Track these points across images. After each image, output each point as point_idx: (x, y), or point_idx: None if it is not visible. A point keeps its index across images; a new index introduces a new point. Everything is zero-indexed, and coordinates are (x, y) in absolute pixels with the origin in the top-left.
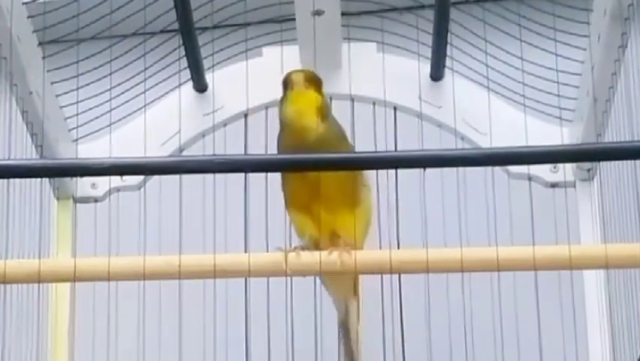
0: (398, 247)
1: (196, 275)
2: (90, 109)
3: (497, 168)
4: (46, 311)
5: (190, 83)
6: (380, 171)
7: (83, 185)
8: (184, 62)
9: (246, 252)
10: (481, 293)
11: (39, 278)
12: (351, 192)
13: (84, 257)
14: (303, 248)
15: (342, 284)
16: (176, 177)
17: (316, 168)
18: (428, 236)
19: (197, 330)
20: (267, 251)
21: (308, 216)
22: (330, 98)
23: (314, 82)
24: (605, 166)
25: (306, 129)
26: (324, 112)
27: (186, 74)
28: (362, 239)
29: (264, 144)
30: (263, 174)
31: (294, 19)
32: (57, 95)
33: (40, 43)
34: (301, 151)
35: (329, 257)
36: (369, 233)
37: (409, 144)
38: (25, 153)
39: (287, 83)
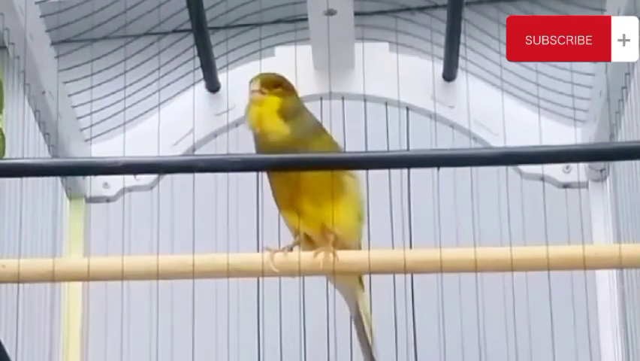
0: (411, 247)
1: (210, 275)
2: (102, 108)
3: (510, 169)
4: (59, 311)
5: (202, 83)
6: (393, 171)
7: (96, 185)
8: (197, 62)
9: (258, 251)
10: (493, 293)
11: (52, 278)
12: (334, 184)
13: (97, 257)
14: (291, 248)
15: (347, 277)
16: (189, 176)
17: (332, 167)
18: (441, 236)
19: (209, 330)
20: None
21: (296, 214)
22: (342, 98)
23: (273, 85)
24: (618, 166)
25: (266, 134)
26: (286, 114)
27: (199, 73)
28: (354, 231)
29: None
30: None
31: (306, 19)
32: (70, 95)
33: (53, 43)
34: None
35: (315, 258)
36: (361, 226)
37: (422, 144)
38: (37, 152)
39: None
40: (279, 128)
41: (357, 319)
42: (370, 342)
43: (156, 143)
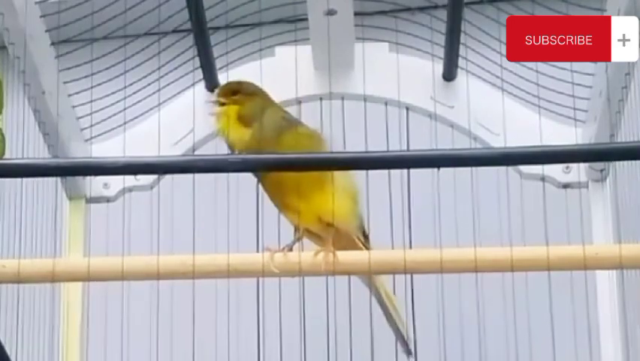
0: (411, 247)
1: (210, 275)
2: (102, 108)
3: (510, 169)
4: (59, 311)
5: (202, 83)
6: (393, 171)
7: (95, 185)
8: (197, 62)
9: (258, 251)
10: (493, 293)
11: (52, 278)
12: (320, 176)
13: (97, 257)
14: (291, 248)
15: None
16: (189, 176)
17: (331, 166)
18: (441, 236)
19: (209, 330)
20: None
21: (292, 211)
22: (342, 98)
23: (231, 93)
24: (618, 167)
25: (231, 142)
26: (246, 119)
27: (199, 73)
28: (350, 216)
29: None
30: None
31: (306, 19)
32: (70, 95)
33: (52, 43)
34: None
35: (315, 259)
36: (357, 208)
37: (422, 144)
38: (37, 152)
39: None
40: (239, 135)
41: (380, 300)
42: (398, 321)
43: (156, 143)
